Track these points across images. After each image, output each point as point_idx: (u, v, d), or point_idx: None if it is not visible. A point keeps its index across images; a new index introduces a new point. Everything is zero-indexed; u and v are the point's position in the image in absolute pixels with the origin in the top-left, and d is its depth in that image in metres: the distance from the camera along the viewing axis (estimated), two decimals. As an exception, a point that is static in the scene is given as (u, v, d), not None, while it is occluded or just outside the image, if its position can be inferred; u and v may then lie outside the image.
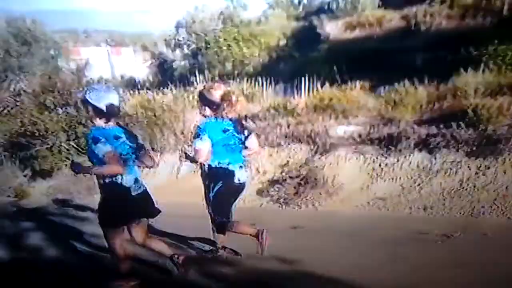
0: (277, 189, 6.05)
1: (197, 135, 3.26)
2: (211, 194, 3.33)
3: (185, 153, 4.22)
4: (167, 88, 10.09)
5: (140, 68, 19.66)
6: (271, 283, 3.04)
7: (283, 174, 6.29)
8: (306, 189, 5.72)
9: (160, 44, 19.67)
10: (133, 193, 2.93)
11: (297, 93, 8.52)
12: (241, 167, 3.41)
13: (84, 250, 3.87)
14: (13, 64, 11.49)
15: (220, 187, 3.29)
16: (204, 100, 3.33)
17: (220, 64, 14.43)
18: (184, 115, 8.08)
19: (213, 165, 3.30)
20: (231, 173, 3.31)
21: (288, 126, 7.14)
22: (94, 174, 2.97)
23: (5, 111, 8.15)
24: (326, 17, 13.75)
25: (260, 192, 6.32)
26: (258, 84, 9.43)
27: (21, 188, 7.88)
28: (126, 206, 2.93)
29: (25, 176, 8.07)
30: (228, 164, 3.30)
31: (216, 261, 3.43)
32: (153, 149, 7.58)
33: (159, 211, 3.12)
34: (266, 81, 9.28)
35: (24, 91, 8.80)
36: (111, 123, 2.86)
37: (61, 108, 8.05)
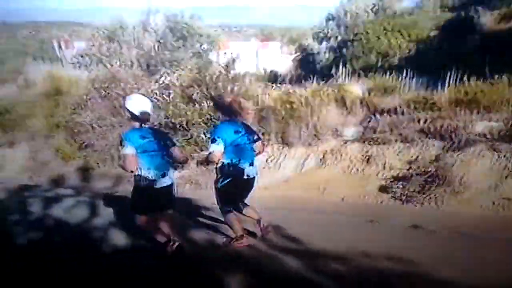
0: (401, 186, 6.18)
1: (212, 140, 3.86)
2: (219, 185, 3.97)
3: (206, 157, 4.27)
4: (308, 81, 10.45)
5: (284, 61, 20.51)
6: (382, 282, 3.24)
7: (410, 170, 6.40)
8: (432, 187, 5.79)
9: (307, 37, 20.54)
10: (157, 186, 3.67)
11: (441, 86, 8.36)
12: (250, 164, 4.01)
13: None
14: (166, 57, 12.56)
15: (229, 181, 3.91)
16: (217, 106, 4.12)
17: (364, 55, 14.68)
18: (320, 110, 8.33)
19: (225, 163, 3.90)
20: (241, 170, 3.93)
21: (425, 121, 7.11)
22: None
23: (152, 103, 9.62)
24: (482, 7, 12.98)
25: (382, 189, 6.49)
26: (401, 76, 9.46)
27: None
28: (150, 196, 3.68)
29: None
30: (238, 162, 3.91)
31: (328, 257, 3.75)
32: (283, 142, 8.35)
33: (172, 206, 3.96)
34: (409, 73, 9.26)
35: (173, 84, 9.37)
36: (145, 125, 3.72)
37: (206, 102, 8.56)
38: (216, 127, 4.17)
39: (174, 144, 4.01)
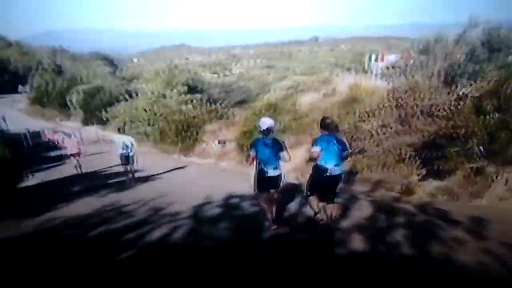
0: None
1: (313, 145, 6.35)
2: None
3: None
4: None
5: None
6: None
7: None
8: None
9: None
10: (270, 175, 6.32)
11: None
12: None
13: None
14: (467, 69, 12.78)
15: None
16: (323, 124, 6.32)
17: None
18: None
19: (318, 163, 6.35)
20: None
21: None
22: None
23: (441, 112, 9.95)
24: None
25: None
26: None
27: (408, 186, 9.39)
28: (264, 181, 6.36)
29: (418, 175, 9.54)
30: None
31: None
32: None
33: (277, 187, 6.53)
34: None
35: (468, 95, 10.00)
36: (270, 137, 6.26)
37: (497, 113, 8.87)
38: (318, 137, 6.42)
39: (284, 149, 6.35)
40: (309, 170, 6.80)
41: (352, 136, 11.63)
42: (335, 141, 6.20)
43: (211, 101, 25.59)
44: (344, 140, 6.44)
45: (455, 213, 7.13)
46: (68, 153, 16.76)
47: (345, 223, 6.81)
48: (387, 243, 5.83)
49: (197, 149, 19.66)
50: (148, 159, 18.02)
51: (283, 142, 6.46)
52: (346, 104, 13.54)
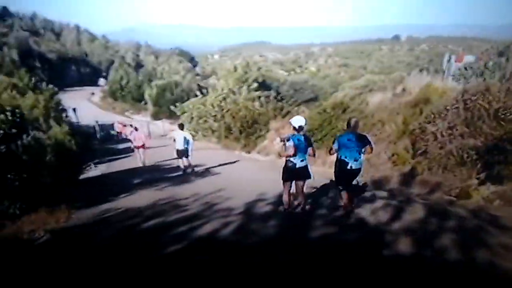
0: None
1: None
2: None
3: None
4: None
5: None
6: None
7: None
8: None
9: None
10: (297, 166, 7.28)
11: None
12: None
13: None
14: None
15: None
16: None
17: None
18: None
19: (338, 157, 7.37)
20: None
21: None
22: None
23: (508, 116, 9.52)
24: None
25: None
26: None
27: (465, 190, 9.08)
28: (292, 172, 7.34)
29: (477, 179, 9.19)
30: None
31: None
32: None
33: (309, 177, 7.52)
34: None
35: None
36: (301, 133, 7.23)
37: None
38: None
39: (311, 145, 7.45)
40: (369, 171, 7.09)
41: (416, 137, 11.46)
42: (354, 139, 7.16)
43: (279, 98, 25.90)
44: (368, 137, 7.45)
45: (508, 219, 7.04)
46: (134, 145, 18.01)
47: (396, 225, 6.82)
48: (435, 247, 5.76)
49: (259, 146, 20.06)
50: (210, 154, 18.68)
51: (311, 139, 7.79)
52: (414, 105, 13.27)
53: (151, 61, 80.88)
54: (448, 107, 11.21)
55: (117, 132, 30.32)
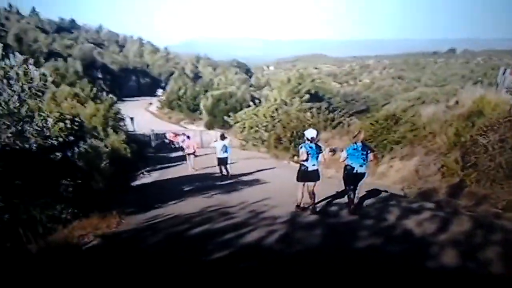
0: None
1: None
2: (343, 174, 9.02)
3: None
4: None
5: None
6: None
7: None
8: None
9: None
10: (310, 169, 8.70)
11: None
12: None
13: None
14: None
15: (300, 170, 8.83)
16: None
17: None
18: None
19: (346, 163, 8.76)
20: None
21: None
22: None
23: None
24: None
25: None
26: None
27: None
28: (305, 174, 8.77)
29: None
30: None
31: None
32: None
33: (319, 179, 8.87)
34: None
35: None
36: (314, 143, 8.66)
37: None
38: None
39: (322, 152, 8.83)
40: (417, 182, 8.12)
41: (467, 149, 11.15)
42: (360, 149, 8.69)
43: (330, 109, 25.82)
44: (370, 147, 9.17)
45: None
46: (185, 152, 19.22)
47: (442, 237, 6.73)
48: (480, 259, 5.64)
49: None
50: (259, 163, 18.82)
51: (322, 147, 9.03)
52: (466, 117, 12.89)
53: (208, 73, 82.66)
54: (500, 120, 10.86)
55: (169, 141, 31.26)
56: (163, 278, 5.49)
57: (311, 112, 25.20)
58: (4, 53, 7.75)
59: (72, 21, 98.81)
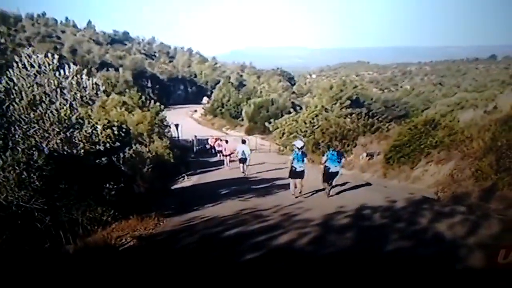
0: None
1: (323, 155, 12.89)
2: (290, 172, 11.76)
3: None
4: None
5: None
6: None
7: None
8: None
9: None
10: (297, 170, 11.43)
11: None
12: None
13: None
14: None
15: (324, 171, 11.74)
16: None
17: None
18: None
19: (326, 164, 11.68)
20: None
21: None
22: None
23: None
24: None
25: None
26: None
27: None
28: (294, 173, 11.52)
29: None
30: (329, 165, 11.51)
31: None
32: None
33: (303, 177, 11.58)
34: None
35: None
36: (300, 151, 11.47)
37: None
38: (327, 152, 12.29)
39: (306, 156, 11.76)
40: (451, 186, 8.72)
41: (503, 154, 10.80)
42: (335, 155, 11.64)
43: (370, 115, 25.52)
44: (343, 154, 12.42)
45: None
46: (224, 154, 22.72)
47: (471, 240, 6.57)
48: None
49: (344, 161, 19.90)
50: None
51: (306, 153, 11.97)
52: (504, 122, 12.46)
53: (252, 81, 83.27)
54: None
55: (210, 146, 31.85)
56: (196, 279, 5.53)
57: (351, 118, 24.98)
58: (58, 64, 8.00)
59: (126, 33, 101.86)
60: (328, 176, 11.66)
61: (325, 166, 11.69)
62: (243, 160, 18.81)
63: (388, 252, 6.29)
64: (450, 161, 13.00)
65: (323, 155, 12.38)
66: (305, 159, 11.61)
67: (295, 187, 11.71)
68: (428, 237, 6.99)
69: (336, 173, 11.59)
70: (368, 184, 13.97)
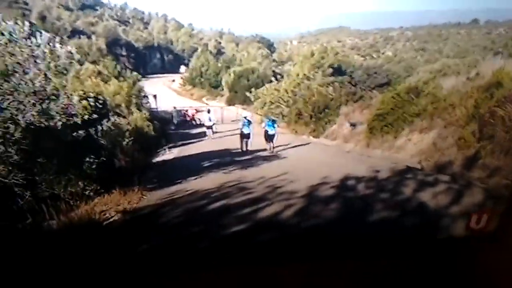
0: None
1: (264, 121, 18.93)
2: (264, 134, 17.12)
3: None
4: None
5: None
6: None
7: None
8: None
9: None
10: (245, 133, 16.59)
11: None
12: (271, 130, 16.37)
13: None
14: None
15: (265, 133, 16.72)
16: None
17: None
18: None
19: (265, 128, 16.92)
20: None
21: None
22: None
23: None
24: None
25: None
26: None
27: None
28: (243, 135, 16.79)
29: None
30: (267, 128, 16.55)
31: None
32: None
33: (250, 138, 16.66)
34: None
35: None
36: (247, 120, 16.97)
37: None
38: (266, 120, 18.12)
39: (251, 123, 16.72)
40: (434, 155, 8.93)
41: (485, 121, 11.06)
42: (271, 121, 16.47)
43: (352, 83, 25.68)
44: (275, 121, 17.10)
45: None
46: (205, 125, 23.06)
47: (454, 209, 6.78)
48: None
49: (327, 131, 20.11)
50: (279, 139, 19.07)
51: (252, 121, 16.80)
52: (486, 89, 12.71)
53: (231, 48, 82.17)
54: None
55: (191, 117, 31.69)
56: (180, 252, 5.58)
57: (333, 86, 25.10)
58: (30, 32, 7.83)
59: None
60: (269, 137, 16.37)
61: (266, 130, 16.44)
62: (210, 127, 22.57)
63: (372, 223, 6.45)
64: (433, 129, 13.23)
65: (262, 122, 18.96)
66: (250, 125, 16.35)
67: (244, 144, 16.54)
68: (412, 207, 7.18)
69: (273, 135, 16.33)
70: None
